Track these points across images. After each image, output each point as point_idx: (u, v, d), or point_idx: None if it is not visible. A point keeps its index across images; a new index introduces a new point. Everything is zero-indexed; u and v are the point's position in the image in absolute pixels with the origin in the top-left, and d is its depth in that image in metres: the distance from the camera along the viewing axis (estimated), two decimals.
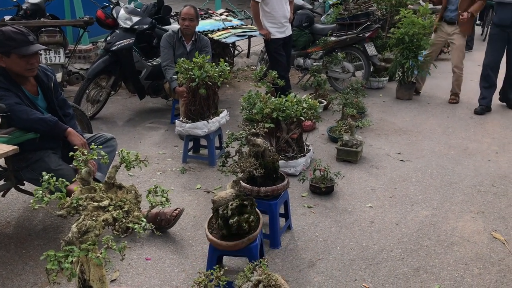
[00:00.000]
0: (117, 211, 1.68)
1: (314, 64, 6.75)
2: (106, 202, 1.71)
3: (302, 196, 3.77)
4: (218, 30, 6.31)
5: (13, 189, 3.32)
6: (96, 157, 1.83)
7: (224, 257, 2.86)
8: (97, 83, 5.50)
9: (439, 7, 6.48)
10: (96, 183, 1.83)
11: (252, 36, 6.76)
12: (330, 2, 8.23)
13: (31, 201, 1.69)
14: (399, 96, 6.57)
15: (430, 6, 7.11)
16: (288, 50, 5.95)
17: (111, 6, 5.73)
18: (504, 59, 5.85)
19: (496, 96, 6.05)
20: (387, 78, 7.17)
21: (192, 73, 4.03)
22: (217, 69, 4.12)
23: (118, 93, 6.36)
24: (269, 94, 4.36)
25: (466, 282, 2.74)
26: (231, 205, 2.51)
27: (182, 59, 4.21)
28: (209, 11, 6.96)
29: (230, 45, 6.97)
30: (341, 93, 5.49)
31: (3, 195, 3.42)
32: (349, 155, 4.40)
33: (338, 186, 3.90)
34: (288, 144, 4.05)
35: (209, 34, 6.01)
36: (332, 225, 3.34)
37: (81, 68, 7.13)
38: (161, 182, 3.99)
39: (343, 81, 6.82)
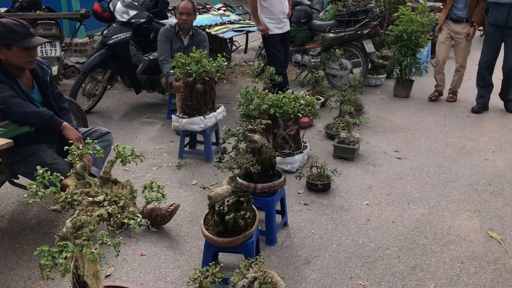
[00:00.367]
0: (112, 206, 1.66)
1: (312, 60, 6.73)
2: (101, 197, 1.68)
3: (299, 193, 3.76)
4: (216, 25, 6.28)
5: (7, 183, 3.29)
6: (91, 152, 1.80)
7: (220, 253, 2.84)
8: (93, 77, 5.47)
9: (438, 4, 6.46)
10: (91, 178, 1.81)
11: (250, 31, 6.73)
12: None
13: (25, 195, 1.66)
14: (397, 94, 6.56)
15: (430, 4, 7.07)
16: (286, 46, 5.92)
17: (108, 0, 5.69)
18: (500, 59, 5.84)
19: (494, 95, 6.02)
20: (385, 75, 7.16)
21: (189, 68, 4.01)
22: (214, 64, 4.09)
23: (114, 87, 6.33)
24: (267, 90, 4.34)
25: (462, 280, 2.73)
26: (227, 201, 2.49)
27: (179, 53, 4.19)
28: (207, 6, 6.92)
29: (228, 40, 6.94)
30: (338, 90, 5.47)
31: None
32: (346, 152, 4.39)
33: (335, 183, 3.89)
34: (285, 140, 4.03)
35: (207, 29, 5.98)
36: (329, 223, 3.33)
37: (77, 61, 7.07)
38: (156, 178, 3.97)
39: (340, 78, 6.80)
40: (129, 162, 1.86)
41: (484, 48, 5.89)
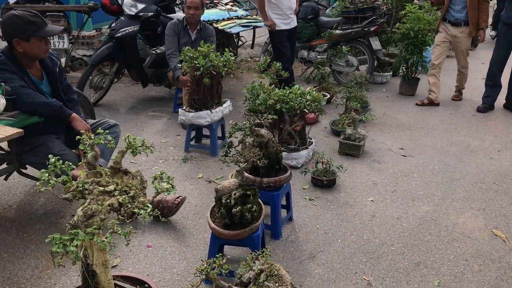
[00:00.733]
0: (123, 196, 1.68)
1: (318, 57, 6.73)
2: (112, 187, 1.70)
3: (304, 188, 3.77)
4: (223, 20, 6.29)
5: (15, 173, 3.32)
6: (102, 142, 1.82)
7: (225, 247, 2.86)
8: (100, 69, 5.49)
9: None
10: (101, 167, 1.83)
11: (257, 26, 6.73)
12: None
13: (37, 183, 1.68)
14: (402, 92, 6.56)
15: None
16: (292, 42, 5.92)
17: None
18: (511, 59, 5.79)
19: (501, 97, 5.97)
20: (391, 73, 7.15)
21: (196, 62, 4.02)
22: (221, 59, 4.11)
23: (121, 81, 6.35)
24: (273, 85, 4.35)
25: (466, 278, 2.75)
26: (234, 194, 2.51)
27: (187, 47, 4.20)
28: (215, 1, 6.92)
29: (234, 35, 6.94)
30: (345, 87, 5.47)
31: (6, 179, 3.42)
32: (352, 149, 4.40)
33: (340, 179, 3.90)
34: (291, 136, 4.04)
35: (214, 24, 5.98)
36: (333, 218, 3.35)
37: (84, 54, 7.10)
38: (163, 171, 3.99)
39: (346, 74, 6.80)
40: (140, 153, 1.88)
41: (496, 47, 5.81)
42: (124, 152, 1.86)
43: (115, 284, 1.94)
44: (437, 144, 4.79)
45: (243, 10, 7.04)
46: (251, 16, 6.99)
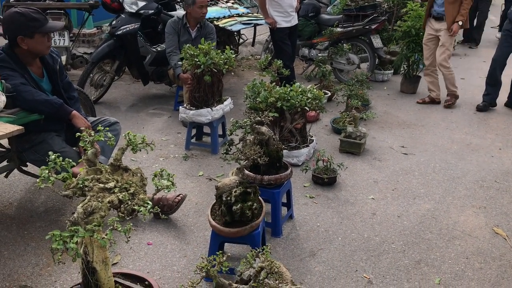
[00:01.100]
0: (123, 193, 1.68)
1: (319, 54, 6.71)
2: (112, 184, 1.70)
3: (305, 186, 3.77)
4: (224, 17, 6.28)
5: (15, 170, 3.32)
6: (103, 139, 1.82)
7: (226, 244, 2.86)
8: (101, 67, 5.49)
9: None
10: (102, 164, 1.82)
11: (258, 24, 6.72)
12: None
13: (37, 180, 1.68)
14: (404, 90, 6.55)
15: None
16: (293, 39, 5.91)
17: None
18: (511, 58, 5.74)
19: (502, 95, 5.94)
20: (392, 71, 7.13)
21: (197, 60, 4.01)
22: (222, 56, 4.10)
23: (121, 78, 6.34)
24: (274, 83, 4.34)
25: (467, 276, 2.74)
26: (234, 192, 2.51)
27: (187, 45, 4.19)
28: None
29: (235, 33, 6.93)
30: (346, 85, 5.46)
31: (6, 176, 3.42)
32: (352, 147, 4.39)
33: (341, 177, 3.90)
34: (292, 134, 4.04)
35: (215, 21, 5.97)
36: (334, 216, 3.34)
37: (84, 52, 7.08)
38: (163, 168, 3.99)
39: (347, 72, 6.79)
40: (140, 150, 1.87)
41: (500, 44, 5.75)
42: (124, 149, 1.85)
43: (115, 281, 1.94)
44: (438, 142, 4.78)
45: (244, 7, 7.03)
46: (252, 13, 6.98)
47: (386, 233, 3.15)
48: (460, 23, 5.50)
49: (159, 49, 5.67)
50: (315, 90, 4.04)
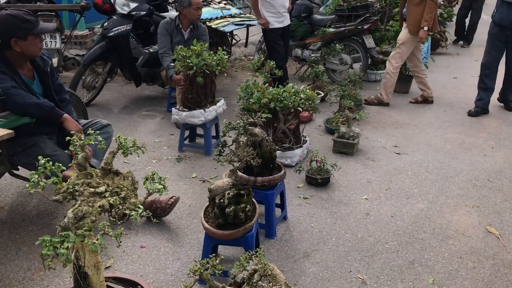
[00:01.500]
0: (114, 197, 1.66)
1: (312, 55, 6.72)
2: (102, 188, 1.69)
3: (298, 187, 3.77)
4: (216, 18, 6.26)
5: (7, 174, 3.29)
6: (93, 143, 1.80)
7: (219, 246, 2.85)
8: (93, 69, 5.46)
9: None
10: (92, 168, 1.81)
11: (250, 25, 6.71)
12: None
13: (27, 185, 1.66)
14: (396, 89, 6.53)
15: None
16: (286, 40, 5.91)
17: None
18: (503, 59, 5.68)
19: (495, 96, 5.92)
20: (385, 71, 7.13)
21: (190, 61, 4.00)
22: (215, 58, 4.09)
23: (114, 80, 6.32)
24: (267, 84, 4.34)
25: (461, 275, 2.75)
26: (227, 194, 2.50)
27: (180, 46, 4.18)
28: None
29: (228, 34, 6.92)
30: (339, 85, 5.47)
31: None
32: (346, 147, 4.39)
33: (334, 177, 3.90)
34: (285, 134, 4.03)
35: (207, 22, 5.96)
36: (328, 217, 3.34)
37: (77, 54, 7.05)
38: (156, 170, 3.93)
39: (340, 73, 6.80)
40: (131, 154, 1.86)
41: (486, 48, 5.62)
42: (115, 152, 1.84)
43: (107, 285, 1.93)
44: (431, 141, 4.79)
45: (237, 8, 7.02)
46: (245, 14, 6.97)
47: (380, 233, 3.15)
48: (426, 28, 5.38)
49: (151, 50, 5.65)
50: (308, 90, 4.03)
